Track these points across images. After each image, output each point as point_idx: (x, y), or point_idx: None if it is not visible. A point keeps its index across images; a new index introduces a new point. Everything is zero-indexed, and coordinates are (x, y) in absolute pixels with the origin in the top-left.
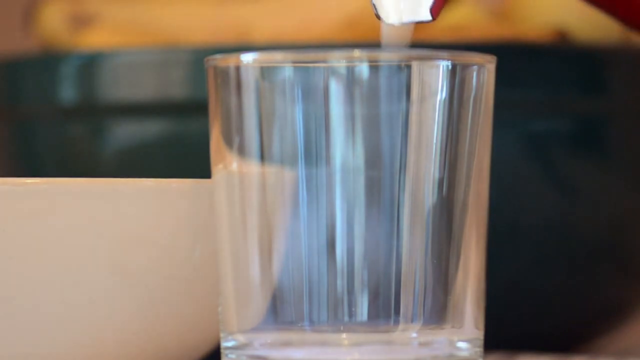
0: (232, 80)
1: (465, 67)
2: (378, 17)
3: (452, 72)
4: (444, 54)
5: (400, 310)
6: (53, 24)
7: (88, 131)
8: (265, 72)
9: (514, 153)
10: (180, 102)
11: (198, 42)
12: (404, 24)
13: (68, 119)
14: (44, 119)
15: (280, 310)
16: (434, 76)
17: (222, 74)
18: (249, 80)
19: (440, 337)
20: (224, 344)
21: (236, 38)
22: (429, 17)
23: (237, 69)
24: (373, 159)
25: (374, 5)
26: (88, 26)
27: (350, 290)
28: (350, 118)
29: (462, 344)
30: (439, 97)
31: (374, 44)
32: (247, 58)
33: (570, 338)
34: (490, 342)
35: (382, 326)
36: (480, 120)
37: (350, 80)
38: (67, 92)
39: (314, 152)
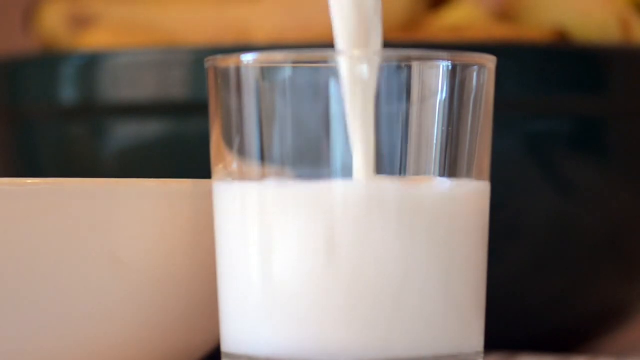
0: (232, 80)
1: (465, 67)
2: None
3: (452, 72)
4: (444, 54)
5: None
6: (53, 24)
7: (88, 131)
8: (265, 72)
9: (514, 153)
10: (180, 102)
11: (198, 42)
12: None
13: (68, 119)
14: (44, 119)
15: (280, 310)
16: (434, 76)
17: (222, 74)
18: (249, 80)
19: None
20: (224, 344)
21: (236, 38)
22: None
23: (237, 69)
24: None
25: None
26: (88, 26)
27: (350, 292)
28: None
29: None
30: (439, 97)
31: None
32: (247, 58)
33: (570, 338)
34: (490, 342)
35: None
36: (480, 120)
37: None
38: (67, 92)
39: (314, 152)
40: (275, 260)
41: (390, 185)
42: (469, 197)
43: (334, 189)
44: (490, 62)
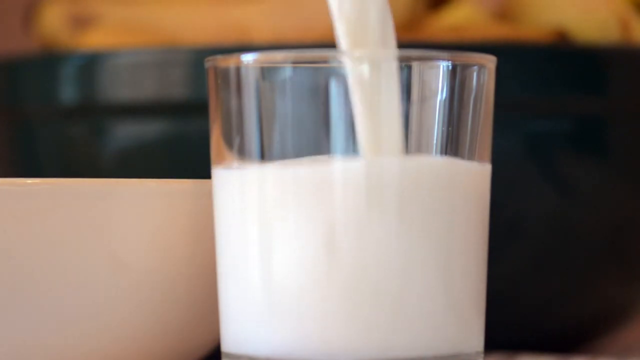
0: (233, 80)
1: (465, 67)
2: None
3: (452, 72)
4: (444, 54)
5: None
6: (53, 24)
7: (88, 131)
8: (265, 72)
9: (514, 153)
10: (180, 102)
11: (198, 42)
12: None
13: (68, 119)
14: (44, 119)
15: (280, 309)
16: (434, 76)
17: (222, 74)
18: (249, 80)
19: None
20: (224, 344)
21: (236, 38)
22: None
23: (237, 69)
24: None
25: None
26: (88, 26)
27: (349, 290)
28: (351, 118)
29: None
30: (439, 97)
31: None
32: (247, 58)
33: (570, 338)
34: (490, 342)
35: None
36: (480, 120)
37: None
38: (67, 92)
39: (314, 152)
40: (275, 255)
41: (390, 165)
42: (469, 178)
43: (334, 170)
44: (490, 62)
